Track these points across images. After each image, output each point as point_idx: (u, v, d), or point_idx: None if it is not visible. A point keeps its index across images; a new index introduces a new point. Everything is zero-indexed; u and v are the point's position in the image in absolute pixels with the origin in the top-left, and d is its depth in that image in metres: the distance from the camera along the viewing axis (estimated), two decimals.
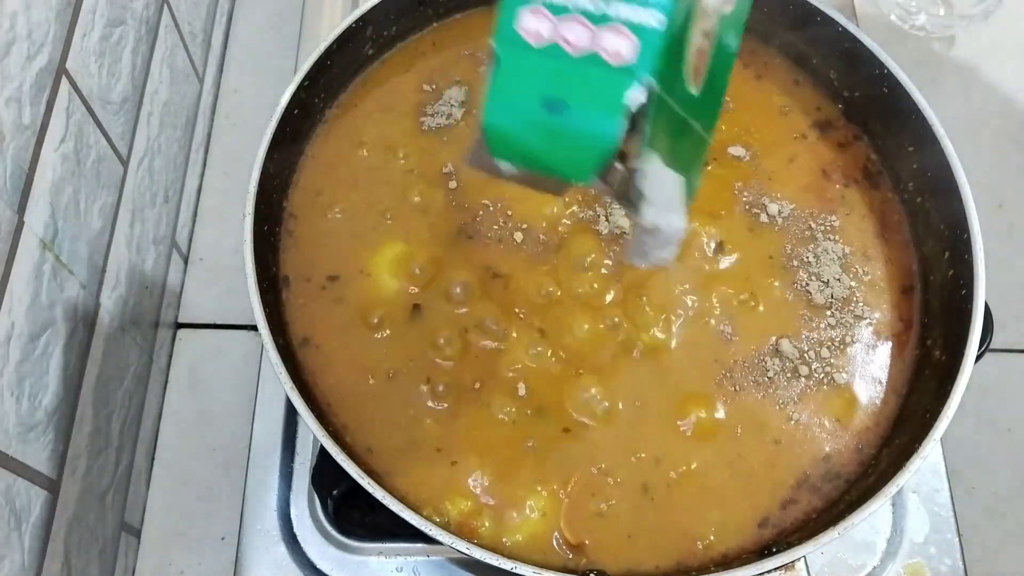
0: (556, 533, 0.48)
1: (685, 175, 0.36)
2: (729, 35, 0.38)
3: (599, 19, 0.32)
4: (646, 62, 0.32)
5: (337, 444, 0.45)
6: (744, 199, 0.57)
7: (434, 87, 0.60)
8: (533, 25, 0.33)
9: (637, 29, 0.32)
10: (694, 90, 0.36)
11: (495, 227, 0.55)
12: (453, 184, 0.57)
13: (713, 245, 0.55)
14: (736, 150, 0.58)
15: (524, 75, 0.33)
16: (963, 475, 0.65)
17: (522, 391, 0.51)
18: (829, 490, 0.50)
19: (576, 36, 0.32)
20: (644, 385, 0.51)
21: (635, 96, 0.32)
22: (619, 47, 0.32)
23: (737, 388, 0.51)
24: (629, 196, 0.35)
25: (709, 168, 0.58)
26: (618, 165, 0.34)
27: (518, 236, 0.55)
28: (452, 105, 0.59)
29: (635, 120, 0.33)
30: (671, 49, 0.33)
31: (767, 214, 0.56)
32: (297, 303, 0.53)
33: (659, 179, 0.35)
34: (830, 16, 0.58)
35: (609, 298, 0.53)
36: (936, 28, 0.85)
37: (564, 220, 0.55)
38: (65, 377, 0.51)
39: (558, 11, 0.33)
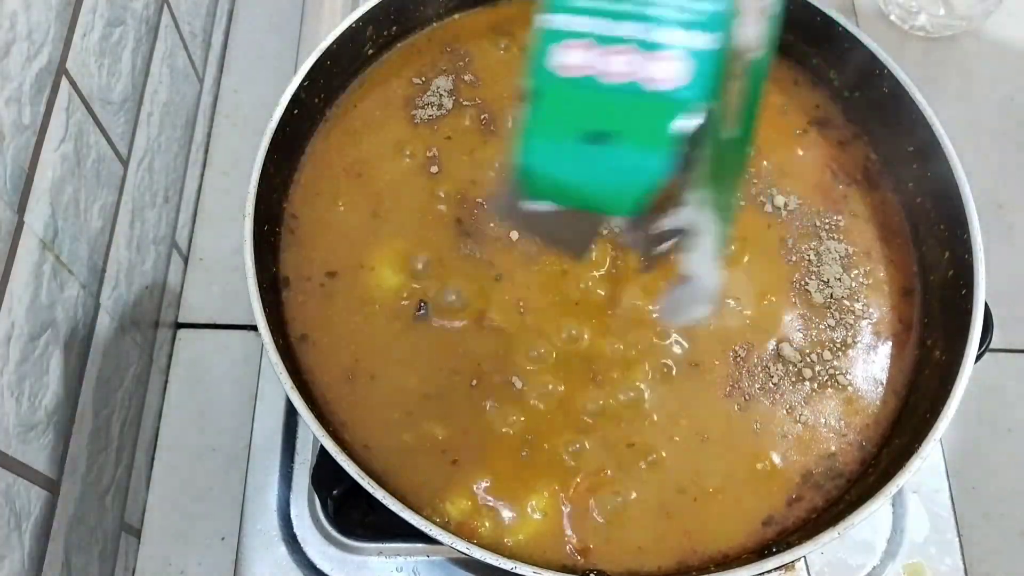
0: (567, 537, 0.48)
1: (721, 224, 0.34)
2: (755, 82, 0.35)
3: (646, 46, 0.30)
4: (700, 84, 0.30)
5: (337, 444, 0.45)
6: (753, 186, 0.57)
7: (423, 79, 0.61)
8: (570, 58, 0.31)
9: (688, 52, 0.30)
10: (730, 134, 0.34)
11: (491, 225, 0.55)
12: (434, 169, 0.57)
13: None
14: None
15: (562, 109, 0.31)
16: (963, 475, 0.65)
17: (519, 384, 0.51)
18: (831, 488, 0.50)
19: (619, 65, 0.30)
20: (646, 385, 0.51)
21: (688, 122, 0.29)
22: (669, 72, 0.30)
23: (747, 397, 0.51)
24: (660, 248, 0.33)
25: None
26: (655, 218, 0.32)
27: (513, 235, 0.55)
28: (441, 95, 0.60)
29: (681, 153, 0.30)
30: (720, 78, 0.31)
31: (772, 204, 0.57)
32: (297, 301, 0.53)
33: (702, 223, 0.33)
34: (830, 16, 0.58)
35: (608, 296, 0.53)
36: (936, 28, 0.85)
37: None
38: (65, 377, 0.51)
39: (599, 41, 0.31)
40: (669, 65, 0.30)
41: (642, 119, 0.30)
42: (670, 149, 0.30)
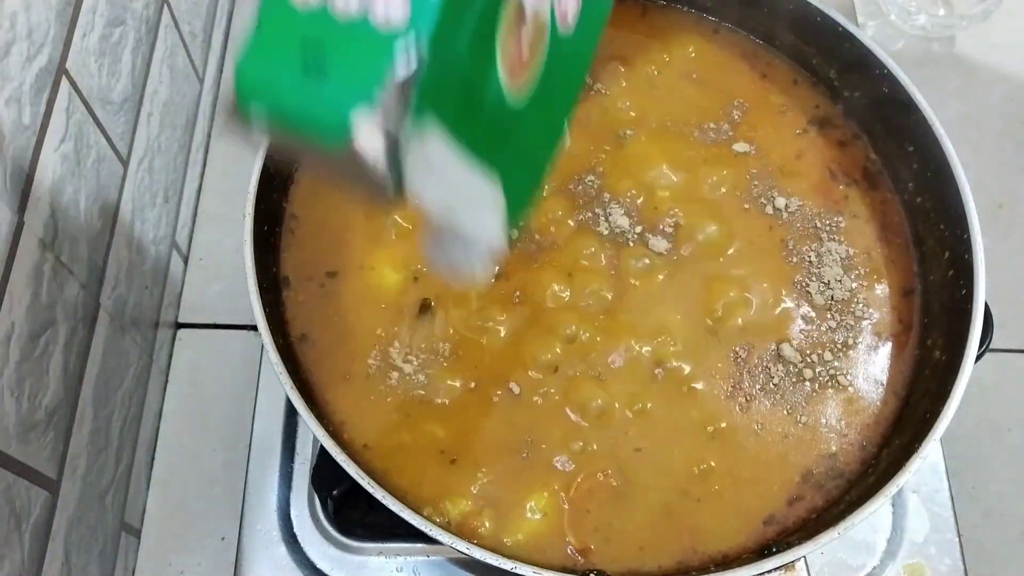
0: (567, 539, 0.48)
1: (506, 178, 0.33)
2: (582, 35, 0.35)
3: None
4: (417, 25, 0.29)
5: (337, 444, 0.45)
6: (754, 187, 0.57)
7: None
8: None
9: None
10: (516, 89, 0.33)
11: None
12: None
13: (712, 229, 0.55)
14: (740, 146, 0.59)
15: (285, 37, 0.31)
16: (963, 475, 0.65)
17: (516, 390, 0.51)
18: (831, 488, 0.50)
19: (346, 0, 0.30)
20: (647, 385, 0.51)
21: (401, 62, 0.29)
22: (390, 11, 0.29)
23: (747, 398, 0.51)
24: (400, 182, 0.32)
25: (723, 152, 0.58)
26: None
27: (513, 233, 0.55)
28: None
29: (400, 97, 0.29)
30: (461, 23, 0.30)
31: (774, 207, 0.56)
32: (297, 300, 0.53)
33: (449, 167, 0.31)
34: (830, 16, 0.58)
35: (610, 297, 0.53)
36: (936, 28, 0.85)
37: (558, 219, 0.55)
38: (65, 377, 0.51)
39: None
40: (397, 3, 0.29)
41: (358, 55, 0.30)
42: (381, 86, 0.29)
